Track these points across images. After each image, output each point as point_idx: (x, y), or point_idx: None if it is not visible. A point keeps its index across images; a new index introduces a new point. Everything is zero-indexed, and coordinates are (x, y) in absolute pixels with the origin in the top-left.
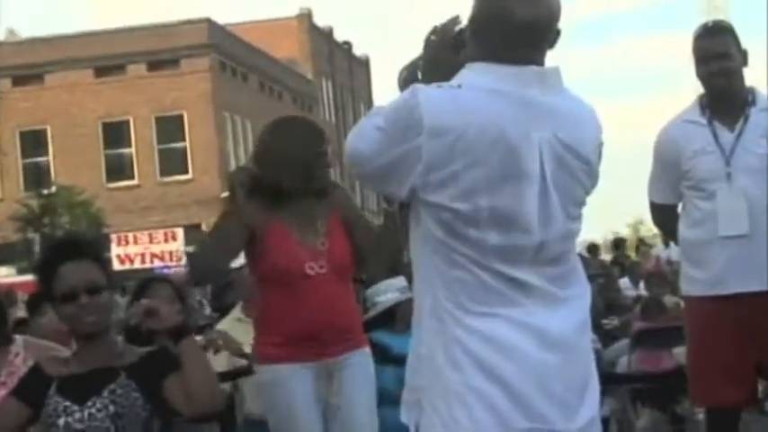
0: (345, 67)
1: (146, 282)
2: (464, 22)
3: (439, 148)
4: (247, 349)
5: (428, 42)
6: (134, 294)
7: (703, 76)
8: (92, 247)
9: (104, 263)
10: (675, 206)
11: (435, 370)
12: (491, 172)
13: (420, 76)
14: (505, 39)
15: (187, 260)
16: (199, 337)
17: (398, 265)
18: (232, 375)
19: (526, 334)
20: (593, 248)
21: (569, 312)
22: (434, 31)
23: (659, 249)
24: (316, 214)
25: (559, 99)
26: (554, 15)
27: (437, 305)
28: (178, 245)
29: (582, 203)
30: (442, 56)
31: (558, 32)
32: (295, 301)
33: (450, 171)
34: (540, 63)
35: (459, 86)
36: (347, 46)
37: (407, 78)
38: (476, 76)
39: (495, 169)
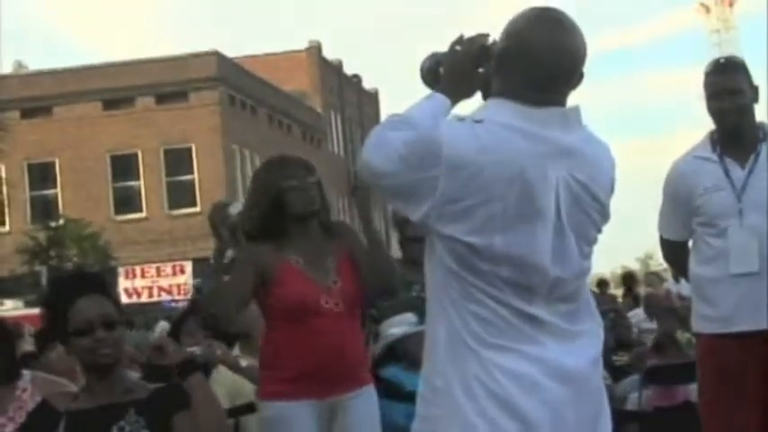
0: (354, 101)
1: (182, 316)
2: (491, 37)
3: (456, 183)
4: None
5: (452, 52)
6: (171, 329)
7: (714, 111)
8: (103, 282)
9: (115, 297)
10: (686, 242)
11: (452, 402)
12: (507, 209)
13: (440, 78)
14: (530, 80)
15: (204, 304)
16: (196, 348)
17: (394, 287)
18: (234, 413)
19: (542, 369)
20: (602, 283)
21: (583, 347)
22: (460, 41)
23: (670, 284)
24: (325, 252)
25: (578, 139)
26: (579, 60)
27: (453, 336)
28: (186, 278)
29: (594, 242)
30: (465, 67)
31: (581, 75)
32: (307, 337)
33: (466, 205)
34: (563, 103)
35: (481, 122)
36: (356, 79)
37: (431, 68)
38: (497, 113)
39: (511, 207)
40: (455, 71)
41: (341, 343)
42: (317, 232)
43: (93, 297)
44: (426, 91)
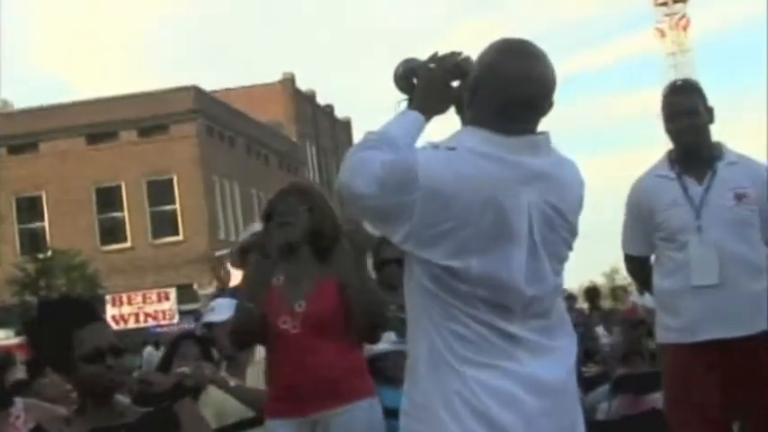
0: (328, 130)
1: (176, 340)
2: (464, 54)
3: (433, 208)
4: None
5: (426, 69)
6: (166, 353)
7: (672, 131)
8: (97, 310)
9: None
10: (648, 257)
11: (434, 417)
12: (482, 233)
13: (412, 84)
14: (501, 110)
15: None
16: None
17: (383, 325)
18: None
19: (519, 383)
20: (570, 298)
21: (558, 361)
22: (434, 58)
23: (635, 297)
24: (306, 275)
25: (548, 163)
26: (549, 90)
27: (433, 355)
28: (171, 304)
29: (566, 259)
30: (439, 85)
31: (551, 103)
32: (275, 356)
33: (443, 229)
34: (533, 130)
35: (455, 149)
36: (329, 109)
37: (404, 74)
38: (471, 140)
39: (485, 230)
40: (429, 88)
41: (304, 362)
42: (308, 256)
43: (97, 325)
44: (399, 95)
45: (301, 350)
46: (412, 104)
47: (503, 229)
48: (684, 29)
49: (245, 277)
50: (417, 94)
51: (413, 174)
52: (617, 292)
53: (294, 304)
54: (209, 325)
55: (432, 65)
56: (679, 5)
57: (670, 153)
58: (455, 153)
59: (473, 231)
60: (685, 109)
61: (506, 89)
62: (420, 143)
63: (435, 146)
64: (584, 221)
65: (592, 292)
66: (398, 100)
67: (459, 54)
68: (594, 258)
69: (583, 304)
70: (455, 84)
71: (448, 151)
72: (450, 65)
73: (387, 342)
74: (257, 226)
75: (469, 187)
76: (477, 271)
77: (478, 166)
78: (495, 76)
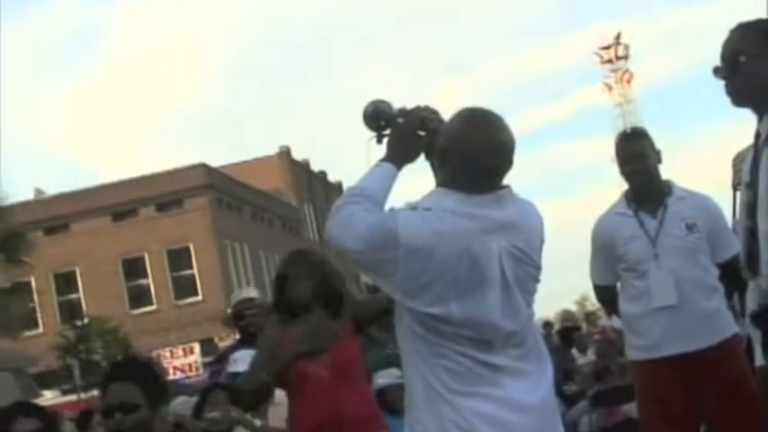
0: (323, 193)
1: (205, 390)
2: (428, 108)
3: (414, 263)
4: None
5: (395, 124)
6: (198, 401)
7: (626, 174)
8: (131, 369)
9: (147, 382)
10: (614, 286)
11: None
12: (459, 281)
13: (378, 124)
14: (469, 174)
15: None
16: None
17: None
18: None
19: (504, 406)
20: (547, 325)
21: (536, 382)
22: (402, 113)
23: (604, 320)
24: (324, 326)
25: (512, 212)
26: (509, 153)
27: (427, 389)
28: (195, 357)
29: (535, 291)
30: (408, 138)
31: (512, 164)
32: (304, 399)
33: (424, 281)
34: (498, 186)
35: (430, 209)
36: (322, 174)
37: (371, 115)
38: (443, 201)
39: (462, 278)
40: (399, 142)
41: (334, 404)
42: (321, 312)
43: (119, 384)
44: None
45: (331, 393)
46: (384, 156)
47: (477, 275)
48: (628, 82)
49: (258, 347)
50: (389, 146)
51: (394, 234)
52: (589, 316)
53: (319, 351)
54: (234, 375)
55: (400, 119)
56: (622, 62)
57: (626, 192)
58: (431, 213)
59: (451, 280)
60: (636, 153)
61: (473, 159)
62: (399, 202)
63: (413, 207)
64: (555, 256)
65: (568, 319)
66: (369, 137)
67: (425, 109)
68: (567, 288)
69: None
70: (423, 133)
71: (425, 212)
72: (417, 119)
73: (391, 377)
74: (247, 291)
75: (446, 242)
76: (458, 314)
77: (452, 222)
78: (461, 146)
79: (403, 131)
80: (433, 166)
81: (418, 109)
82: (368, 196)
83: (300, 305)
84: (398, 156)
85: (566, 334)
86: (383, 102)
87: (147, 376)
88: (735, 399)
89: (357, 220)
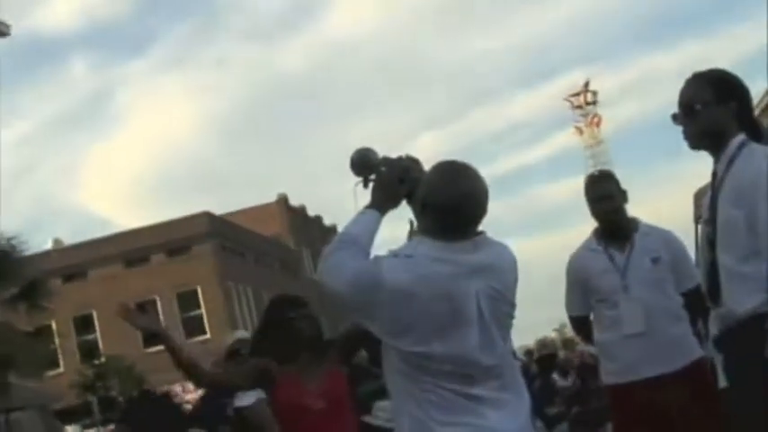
0: (319, 236)
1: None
2: (409, 158)
3: (397, 306)
4: None
5: (378, 173)
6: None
7: (595, 213)
8: (127, 410)
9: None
10: (587, 316)
11: None
12: (439, 322)
13: (362, 170)
14: (446, 224)
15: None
16: None
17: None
18: None
19: None
20: (529, 353)
21: (515, 410)
22: (384, 162)
23: (582, 346)
24: (312, 364)
25: (487, 256)
26: (483, 203)
27: (414, 421)
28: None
29: (510, 326)
30: (390, 186)
31: (485, 211)
32: (300, 430)
33: (407, 323)
34: (474, 232)
35: (412, 256)
36: (318, 219)
37: (357, 162)
38: (424, 248)
39: (442, 319)
40: (382, 190)
41: None
42: (308, 355)
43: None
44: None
45: (326, 424)
46: (369, 203)
47: (457, 316)
48: (597, 125)
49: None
50: (373, 193)
51: (378, 279)
52: (568, 343)
53: (311, 386)
54: (239, 409)
55: (384, 167)
56: (590, 107)
57: (596, 230)
58: (413, 259)
59: (433, 321)
60: (604, 194)
61: (449, 210)
62: (383, 250)
63: (396, 254)
64: (534, 288)
65: (548, 347)
66: (355, 182)
67: (406, 158)
68: (545, 317)
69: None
70: (405, 181)
71: (406, 258)
72: (399, 169)
73: (384, 410)
74: (240, 333)
75: (426, 286)
76: (439, 352)
77: (432, 268)
78: (438, 198)
79: (386, 180)
80: (414, 211)
81: (400, 159)
82: (354, 242)
83: (312, 342)
84: (382, 203)
85: (543, 361)
86: (369, 150)
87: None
88: (702, 414)
89: (345, 266)
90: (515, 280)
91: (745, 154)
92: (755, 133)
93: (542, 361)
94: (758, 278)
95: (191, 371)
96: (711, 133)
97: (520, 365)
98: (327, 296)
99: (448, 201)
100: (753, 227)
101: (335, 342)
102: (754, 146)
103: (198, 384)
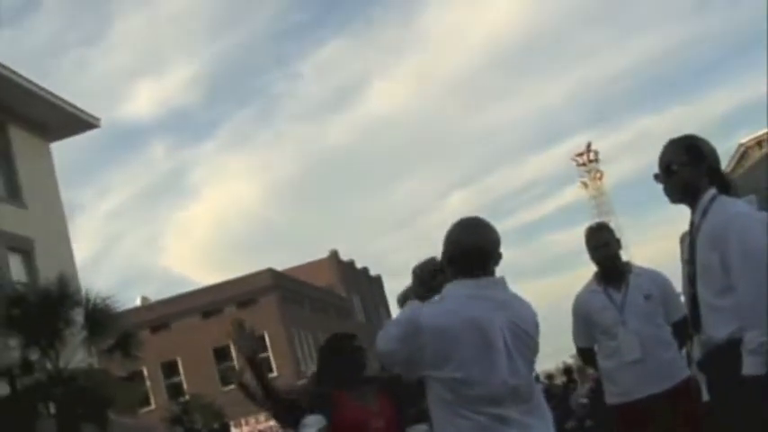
0: (366, 285)
1: None
2: (438, 259)
3: (437, 341)
4: None
5: (415, 274)
6: None
7: (595, 259)
8: None
9: None
10: (592, 347)
11: None
12: (473, 351)
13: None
14: (471, 267)
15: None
16: None
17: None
18: None
19: None
20: (550, 377)
21: None
22: (415, 268)
23: (591, 370)
24: (364, 391)
25: (508, 296)
26: (496, 248)
27: None
28: (272, 422)
29: (533, 361)
30: (425, 281)
31: (500, 255)
32: None
33: (447, 353)
34: (493, 273)
35: (443, 298)
36: (365, 270)
37: (400, 300)
38: (455, 289)
39: (476, 349)
40: (421, 284)
41: None
42: (364, 379)
43: None
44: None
45: None
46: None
47: (487, 342)
48: (600, 179)
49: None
50: (415, 289)
51: (417, 324)
52: (582, 367)
53: (371, 407)
54: None
55: (418, 271)
56: (593, 164)
57: (596, 273)
58: (445, 300)
59: (467, 351)
60: (601, 243)
61: (470, 255)
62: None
63: (430, 303)
64: (554, 322)
65: (567, 371)
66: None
67: (432, 262)
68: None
69: (559, 378)
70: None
71: (439, 302)
72: (428, 271)
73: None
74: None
75: (459, 321)
76: (476, 376)
77: (464, 304)
78: (460, 248)
79: (419, 278)
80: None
81: (427, 263)
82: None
83: (365, 367)
84: (418, 292)
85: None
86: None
87: None
88: (690, 423)
89: (390, 329)
90: (536, 328)
91: (717, 205)
92: (724, 186)
93: (566, 380)
94: (732, 309)
95: (268, 387)
96: (687, 190)
97: (542, 388)
98: (380, 357)
99: (467, 248)
100: (726, 267)
101: (383, 374)
102: (724, 198)
103: (272, 402)
